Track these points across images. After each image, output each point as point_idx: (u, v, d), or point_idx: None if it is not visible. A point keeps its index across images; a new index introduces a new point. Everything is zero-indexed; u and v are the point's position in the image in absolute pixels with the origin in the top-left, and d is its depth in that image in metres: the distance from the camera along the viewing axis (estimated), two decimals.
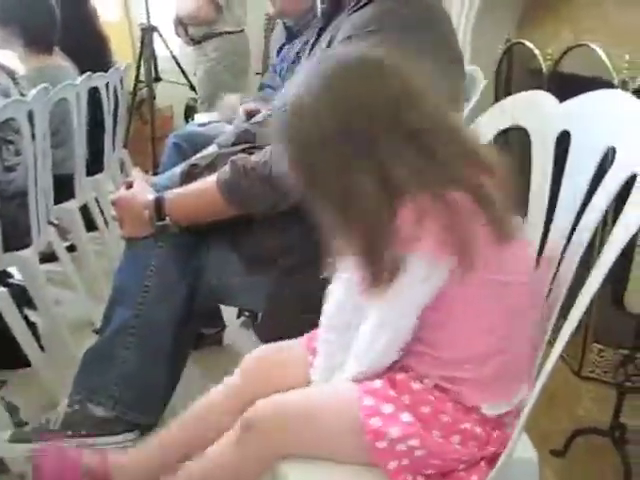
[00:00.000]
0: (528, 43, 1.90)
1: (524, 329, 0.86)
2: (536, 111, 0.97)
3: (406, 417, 0.82)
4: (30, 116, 1.76)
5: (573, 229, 0.86)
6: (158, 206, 1.24)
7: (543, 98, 0.97)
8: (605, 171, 0.81)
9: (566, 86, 1.72)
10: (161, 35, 3.68)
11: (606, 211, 0.82)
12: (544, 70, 1.78)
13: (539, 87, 1.67)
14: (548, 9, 1.98)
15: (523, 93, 1.02)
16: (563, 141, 0.93)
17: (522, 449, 0.91)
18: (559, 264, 0.89)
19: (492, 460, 0.85)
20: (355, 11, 1.14)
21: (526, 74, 2.02)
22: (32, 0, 2.39)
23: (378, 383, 0.86)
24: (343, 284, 0.98)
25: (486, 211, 0.79)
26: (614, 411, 1.43)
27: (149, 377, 1.34)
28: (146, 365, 1.31)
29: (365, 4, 1.12)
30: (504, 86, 2.11)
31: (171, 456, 1.02)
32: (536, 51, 1.83)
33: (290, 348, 1.05)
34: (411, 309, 0.83)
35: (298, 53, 2.16)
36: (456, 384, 0.85)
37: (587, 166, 0.85)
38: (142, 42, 3.65)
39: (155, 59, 3.72)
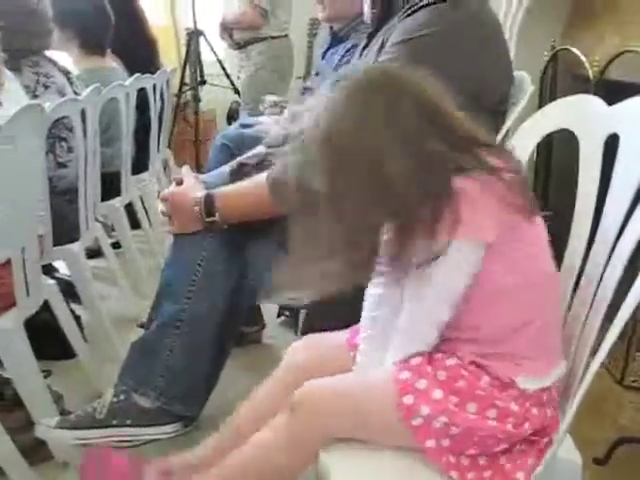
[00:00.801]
0: (574, 49, 1.89)
1: (550, 299, 0.89)
2: (584, 114, 0.97)
3: (438, 394, 0.83)
4: (83, 114, 1.82)
5: (620, 232, 0.86)
6: (208, 203, 1.27)
7: (591, 101, 0.98)
8: None
9: (613, 93, 1.71)
10: (207, 39, 3.75)
11: None
12: (591, 77, 1.77)
13: (585, 94, 1.67)
14: (593, 15, 1.97)
15: (570, 97, 1.02)
16: (611, 145, 0.93)
17: (566, 450, 0.92)
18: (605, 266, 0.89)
19: (533, 444, 0.86)
20: (408, 16, 1.15)
21: (572, 81, 2.02)
22: (88, 4, 2.47)
23: (416, 360, 0.87)
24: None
25: (511, 189, 0.81)
26: None
27: (193, 370, 1.38)
28: (191, 358, 1.35)
29: (417, 9, 1.14)
30: (549, 92, 2.10)
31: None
32: (582, 57, 1.82)
33: (333, 340, 1.07)
34: (452, 295, 0.84)
35: (342, 58, 2.18)
36: (491, 360, 0.86)
37: (636, 169, 0.85)
38: (188, 46, 3.72)
39: (200, 62, 3.78)
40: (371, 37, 1.34)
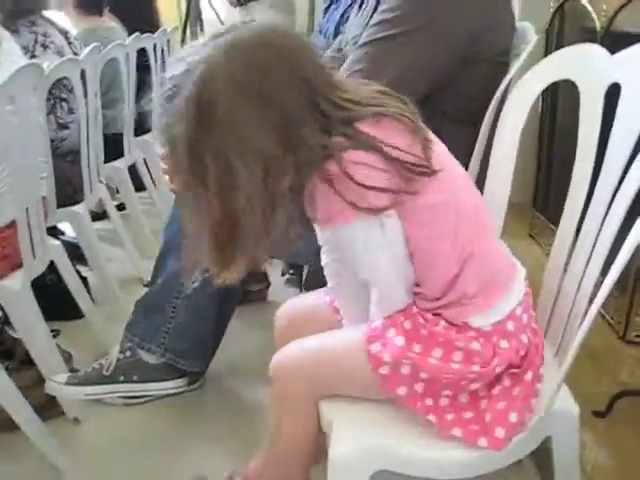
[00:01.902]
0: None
1: (480, 230, 0.88)
2: (585, 63, 0.96)
3: (399, 341, 0.84)
4: (82, 75, 1.81)
5: (622, 178, 0.85)
6: None
7: (593, 50, 0.96)
8: None
9: (620, 43, 1.68)
10: None
11: None
12: (598, 28, 1.74)
13: None
14: None
15: (573, 47, 1.01)
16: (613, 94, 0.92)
17: (563, 402, 0.93)
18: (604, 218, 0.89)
19: (516, 379, 0.86)
20: None
21: (579, 32, 1.98)
22: None
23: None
24: None
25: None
26: None
27: (198, 326, 1.39)
28: (195, 315, 1.36)
29: None
30: (555, 45, 2.06)
31: None
32: (589, 8, 1.78)
33: (314, 301, 1.08)
34: (391, 265, 0.85)
35: (343, 14, 2.14)
36: (441, 309, 0.87)
37: (637, 115, 0.84)
38: (188, 4, 3.66)
39: (201, 21, 3.72)
40: None
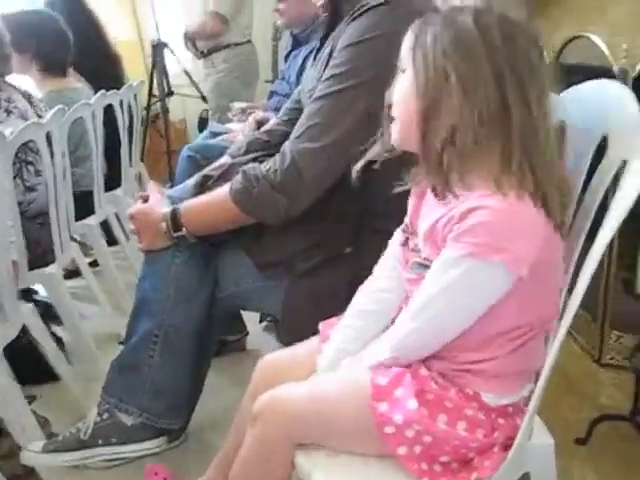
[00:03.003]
0: None
1: (540, 339, 0.87)
2: None
3: (412, 404, 0.83)
4: (48, 137, 1.82)
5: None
6: (174, 218, 1.27)
7: None
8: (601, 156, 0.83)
9: (569, 76, 1.74)
10: (172, 50, 3.75)
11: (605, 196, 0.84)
12: (547, 61, 1.80)
13: None
14: (547, 3, 1.99)
15: None
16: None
17: (538, 435, 0.93)
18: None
19: (506, 446, 0.86)
20: (353, 20, 1.17)
21: None
22: (44, 26, 2.46)
23: (396, 368, 0.87)
24: (387, 272, 1.00)
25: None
26: (634, 396, 1.44)
27: (174, 383, 1.39)
28: (171, 371, 1.35)
29: (362, 13, 1.16)
30: None
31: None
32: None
33: (304, 347, 1.07)
34: (467, 323, 0.83)
35: (304, 60, 2.20)
36: (459, 373, 0.87)
37: (584, 154, 0.87)
38: (154, 58, 3.71)
39: (167, 74, 3.77)
40: (323, 41, 1.35)
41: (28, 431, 1.49)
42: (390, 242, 1.03)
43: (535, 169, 0.78)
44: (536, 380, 0.88)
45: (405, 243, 0.96)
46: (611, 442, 1.51)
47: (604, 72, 1.51)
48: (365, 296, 1.01)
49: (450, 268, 0.80)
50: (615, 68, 1.48)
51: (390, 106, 0.88)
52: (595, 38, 1.57)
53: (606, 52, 1.50)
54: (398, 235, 1.00)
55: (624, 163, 0.76)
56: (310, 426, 0.90)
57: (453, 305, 0.81)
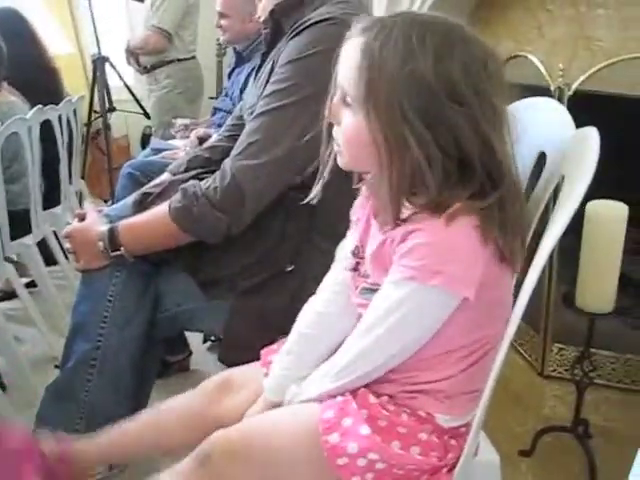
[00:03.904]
0: None
1: (491, 359, 0.85)
2: None
3: (365, 430, 0.81)
4: None
5: None
6: (112, 237, 1.23)
7: None
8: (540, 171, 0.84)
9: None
10: (113, 65, 3.68)
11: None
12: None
13: None
14: (487, 23, 2.04)
15: None
16: None
17: (484, 451, 0.94)
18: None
19: (454, 466, 0.85)
20: (295, 36, 1.16)
21: None
22: None
23: (340, 397, 0.85)
24: (329, 295, 0.98)
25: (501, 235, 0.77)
26: (575, 407, 1.46)
27: (113, 408, 1.33)
28: (109, 396, 1.30)
29: (303, 30, 1.15)
30: None
31: (132, 450, 1.06)
32: None
33: (248, 369, 1.05)
34: (416, 344, 0.81)
35: (247, 77, 2.19)
36: (413, 394, 0.85)
37: (522, 171, 0.88)
38: (94, 73, 3.64)
39: (108, 89, 3.70)
40: (265, 57, 1.34)
41: None
42: (333, 265, 1.01)
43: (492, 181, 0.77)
44: None
45: (356, 268, 0.93)
46: (554, 454, 1.53)
47: (541, 91, 1.54)
48: (306, 320, 0.99)
49: (393, 291, 0.79)
50: (552, 87, 1.52)
51: (329, 126, 0.86)
52: (533, 58, 1.61)
53: (543, 71, 1.54)
54: (345, 259, 0.97)
55: (563, 178, 0.77)
56: (261, 468, 0.87)
57: (399, 327, 0.80)
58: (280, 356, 0.99)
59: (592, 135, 0.74)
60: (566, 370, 1.75)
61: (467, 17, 2.20)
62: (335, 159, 0.87)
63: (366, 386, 0.86)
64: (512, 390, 1.76)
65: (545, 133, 0.85)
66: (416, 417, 0.84)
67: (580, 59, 1.56)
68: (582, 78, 1.44)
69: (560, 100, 1.48)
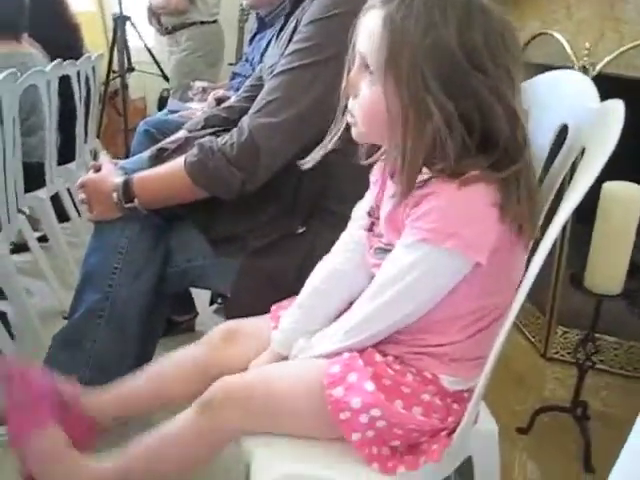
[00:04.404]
0: None
1: (499, 325, 0.86)
2: None
3: (369, 386, 0.82)
4: None
5: None
6: (126, 188, 1.24)
7: None
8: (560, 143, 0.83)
9: (531, 74, 1.76)
10: (134, 25, 3.67)
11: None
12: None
13: None
14: (515, 2, 2.01)
15: None
16: None
17: (483, 421, 0.95)
18: None
19: (454, 431, 0.86)
20: None
21: None
22: None
23: (347, 354, 0.86)
24: (344, 253, 0.99)
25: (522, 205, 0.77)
26: (575, 388, 1.47)
27: (119, 359, 1.34)
28: (115, 347, 1.31)
29: None
30: None
31: (135, 402, 1.08)
32: None
33: (257, 321, 1.06)
34: (425, 307, 0.82)
35: (269, 42, 2.17)
36: (419, 355, 0.86)
37: (544, 141, 0.88)
38: (115, 32, 3.63)
39: (128, 49, 3.70)
40: (288, 18, 1.33)
41: None
42: (350, 223, 1.02)
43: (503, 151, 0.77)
44: None
45: (371, 228, 0.94)
46: (551, 432, 1.55)
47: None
48: (320, 275, 1.00)
49: (406, 253, 0.80)
50: (576, 67, 1.50)
51: (346, 97, 0.86)
52: (558, 36, 1.59)
53: (568, 50, 1.52)
54: (361, 218, 0.98)
55: (583, 150, 0.77)
56: (262, 416, 0.89)
57: (410, 289, 0.81)
58: (291, 310, 1.00)
59: (617, 108, 0.73)
60: (569, 353, 1.75)
61: None
62: (347, 129, 0.87)
63: (373, 345, 0.87)
64: (514, 370, 1.77)
65: (568, 105, 0.84)
66: (421, 377, 0.85)
67: (607, 40, 1.54)
68: (607, 59, 1.42)
69: None
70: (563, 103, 0.85)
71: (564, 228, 1.58)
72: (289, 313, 1.00)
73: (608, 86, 1.25)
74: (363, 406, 0.82)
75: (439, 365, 0.86)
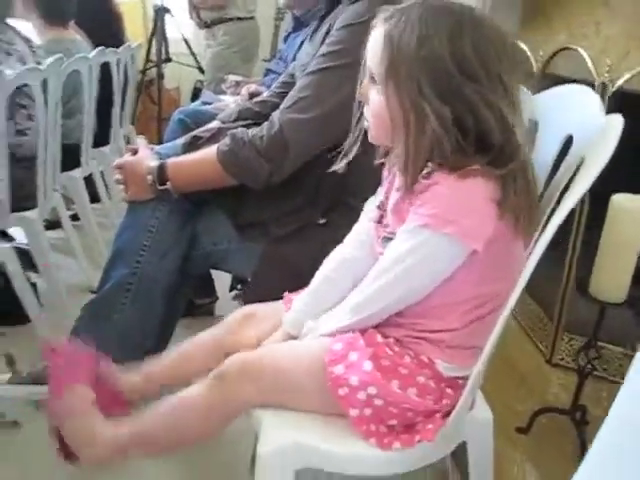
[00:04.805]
0: (522, 44, 1.98)
1: (497, 315, 0.91)
2: None
3: (368, 365, 0.89)
4: (44, 84, 1.85)
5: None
6: (160, 172, 1.32)
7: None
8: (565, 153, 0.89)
9: (553, 86, 1.81)
10: (173, 17, 3.76)
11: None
12: (535, 70, 1.87)
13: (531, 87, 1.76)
14: (544, 15, 2.06)
15: None
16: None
17: (479, 409, 1.01)
18: None
19: (447, 415, 0.92)
20: (352, 2, 1.22)
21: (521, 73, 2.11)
22: None
23: (350, 334, 0.93)
24: (355, 243, 1.07)
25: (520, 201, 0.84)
26: (575, 392, 1.52)
27: (142, 334, 1.42)
28: (140, 322, 1.39)
29: None
30: None
31: (160, 380, 1.15)
32: (528, 53, 1.91)
33: (271, 306, 1.14)
34: (423, 290, 0.90)
35: (302, 42, 2.24)
36: (416, 340, 0.93)
37: (550, 151, 0.94)
38: (155, 22, 3.73)
39: (166, 40, 3.79)
40: (322, 20, 1.40)
41: None
42: (361, 217, 1.09)
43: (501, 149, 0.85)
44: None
45: (380, 220, 1.02)
46: (549, 434, 1.59)
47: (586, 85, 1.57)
48: (331, 264, 1.08)
49: (409, 237, 0.87)
50: (596, 82, 1.55)
51: (361, 103, 0.96)
52: (581, 50, 1.63)
53: (590, 65, 1.57)
54: (371, 211, 1.05)
55: (582, 161, 0.83)
56: (271, 390, 0.95)
57: (410, 271, 0.88)
58: (302, 294, 1.08)
59: (617, 123, 0.79)
60: (573, 360, 1.80)
61: (525, 8, 2.23)
62: (364, 134, 0.97)
63: (375, 327, 0.94)
64: (519, 372, 1.83)
65: (575, 118, 0.90)
66: (418, 361, 0.92)
67: (631, 58, 1.58)
68: (627, 76, 1.47)
69: (602, 96, 1.51)
70: (570, 115, 0.91)
71: (575, 236, 1.63)
72: (300, 297, 1.08)
73: (629, 102, 1.31)
74: (360, 384, 0.88)
75: (436, 350, 0.92)
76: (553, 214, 0.83)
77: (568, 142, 0.91)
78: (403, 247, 0.88)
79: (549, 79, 1.84)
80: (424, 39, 0.84)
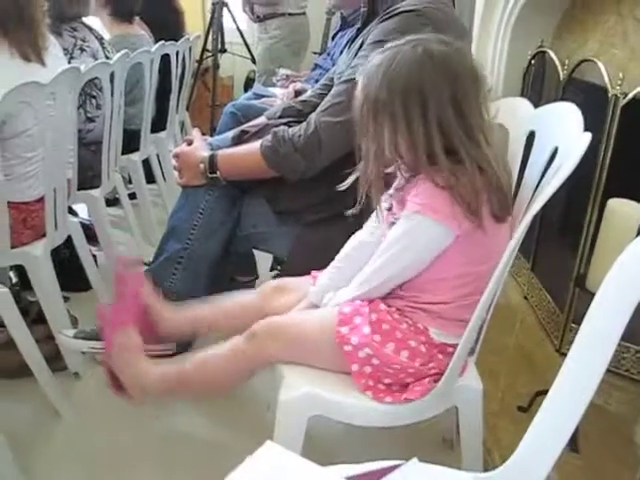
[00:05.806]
0: (550, 51, 2.09)
1: (484, 286, 1.07)
2: (514, 114, 1.21)
3: (366, 330, 1.08)
4: (111, 77, 2.06)
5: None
6: (211, 162, 1.51)
7: (521, 103, 1.21)
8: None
9: (580, 92, 1.92)
10: (230, 10, 3.95)
11: None
12: (561, 77, 1.98)
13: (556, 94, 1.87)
14: (580, 23, 2.15)
15: (508, 98, 1.26)
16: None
17: (470, 379, 1.17)
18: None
19: (438, 379, 1.09)
20: (385, 20, 1.38)
21: (547, 80, 2.22)
22: None
23: (359, 301, 1.12)
24: (370, 228, 1.25)
25: (498, 189, 1.03)
26: None
27: (191, 299, 1.61)
28: (189, 288, 1.57)
29: (391, 16, 1.37)
30: (530, 88, 2.30)
31: (200, 325, 1.35)
32: (556, 61, 2.02)
33: (300, 280, 1.33)
34: (416, 264, 1.08)
35: (348, 41, 2.40)
36: (414, 310, 1.11)
37: (541, 159, 1.09)
38: (212, 15, 3.92)
39: (222, 32, 3.98)
40: (359, 32, 1.57)
41: (62, 322, 1.76)
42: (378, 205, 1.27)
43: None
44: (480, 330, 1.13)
45: (390, 208, 1.19)
46: None
47: (603, 94, 1.68)
48: (352, 244, 1.26)
49: (405, 222, 1.07)
50: (610, 93, 1.65)
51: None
52: (598, 62, 1.73)
53: (605, 77, 1.66)
54: (385, 201, 1.22)
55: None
56: (293, 349, 1.14)
57: (407, 249, 1.07)
58: (327, 270, 1.27)
59: (586, 136, 0.93)
60: None
61: (562, 15, 2.32)
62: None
63: (381, 298, 1.13)
64: (528, 358, 1.95)
65: (561, 133, 1.04)
66: (414, 328, 1.10)
67: None
68: (638, 89, 1.57)
69: (614, 107, 1.61)
70: (557, 130, 1.06)
71: (587, 231, 1.73)
72: (325, 272, 1.27)
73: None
74: (359, 344, 1.07)
75: (430, 320, 1.10)
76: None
77: (555, 153, 1.06)
78: (400, 229, 1.08)
79: (574, 84, 1.95)
80: (388, 80, 1.04)
